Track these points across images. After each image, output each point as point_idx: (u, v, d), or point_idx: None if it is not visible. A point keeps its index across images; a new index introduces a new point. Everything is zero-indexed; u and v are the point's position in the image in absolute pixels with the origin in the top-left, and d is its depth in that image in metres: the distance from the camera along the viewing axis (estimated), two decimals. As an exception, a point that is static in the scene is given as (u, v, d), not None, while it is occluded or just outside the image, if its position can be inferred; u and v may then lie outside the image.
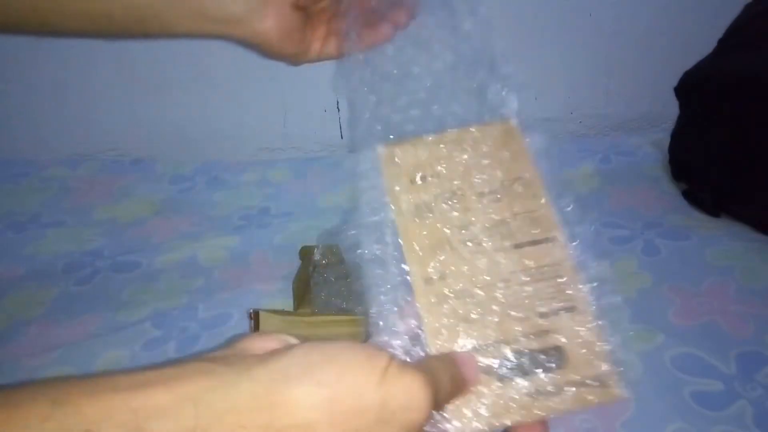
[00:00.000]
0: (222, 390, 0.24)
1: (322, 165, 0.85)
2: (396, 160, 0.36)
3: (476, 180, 0.34)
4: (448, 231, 0.33)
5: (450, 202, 0.34)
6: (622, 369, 0.30)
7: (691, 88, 0.73)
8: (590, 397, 0.30)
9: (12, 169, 0.84)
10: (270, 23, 0.39)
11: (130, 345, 0.55)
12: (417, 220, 0.34)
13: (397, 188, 0.35)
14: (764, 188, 0.65)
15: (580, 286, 0.32)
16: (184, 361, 0.25)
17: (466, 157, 0.35)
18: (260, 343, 0.27)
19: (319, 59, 0.42)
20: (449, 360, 0.31)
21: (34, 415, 0.21)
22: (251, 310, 0.48)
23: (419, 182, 0.35)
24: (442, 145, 0.35)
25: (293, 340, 0.28)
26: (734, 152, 0.67)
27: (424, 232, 0.33)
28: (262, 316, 0.48)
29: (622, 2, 0.88)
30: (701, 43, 0.73)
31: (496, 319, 0.31)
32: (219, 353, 0.26)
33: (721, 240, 0.63)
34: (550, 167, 0.35)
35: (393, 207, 0.34)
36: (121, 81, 0.88)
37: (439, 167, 0.35)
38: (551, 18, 0.88)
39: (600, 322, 0.31)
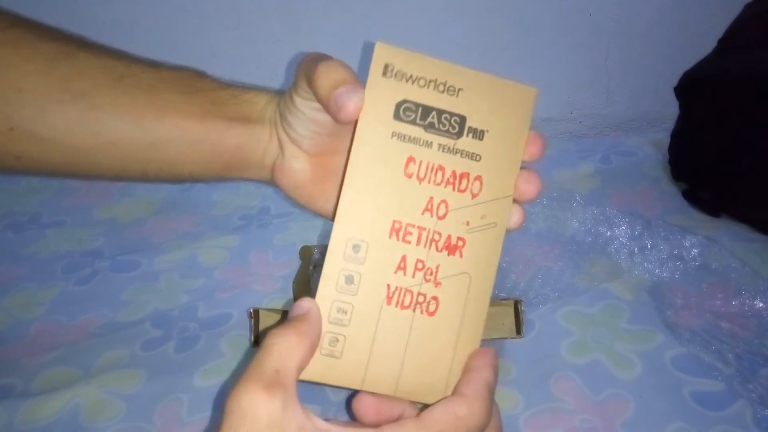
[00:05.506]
0: None
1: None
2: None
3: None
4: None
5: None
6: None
7: (691, 88, 0.73)
8: None
9: (12, 169, 0.84)
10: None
11: (130, 345, 0.55)
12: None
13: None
14: (764, 188, 0.65)
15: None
16: None
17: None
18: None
19: None
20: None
21: None
22: (251, 310, 0.48)
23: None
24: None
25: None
26: (734, 152, 0.67)
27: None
28: (262, 315, 0.48)
29: (622, 2, 0.88)
30: (701, 43, 0.73)
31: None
32: None
33: (721, 240, 0.63)
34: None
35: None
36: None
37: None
38: (551, 18, 0.88)
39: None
